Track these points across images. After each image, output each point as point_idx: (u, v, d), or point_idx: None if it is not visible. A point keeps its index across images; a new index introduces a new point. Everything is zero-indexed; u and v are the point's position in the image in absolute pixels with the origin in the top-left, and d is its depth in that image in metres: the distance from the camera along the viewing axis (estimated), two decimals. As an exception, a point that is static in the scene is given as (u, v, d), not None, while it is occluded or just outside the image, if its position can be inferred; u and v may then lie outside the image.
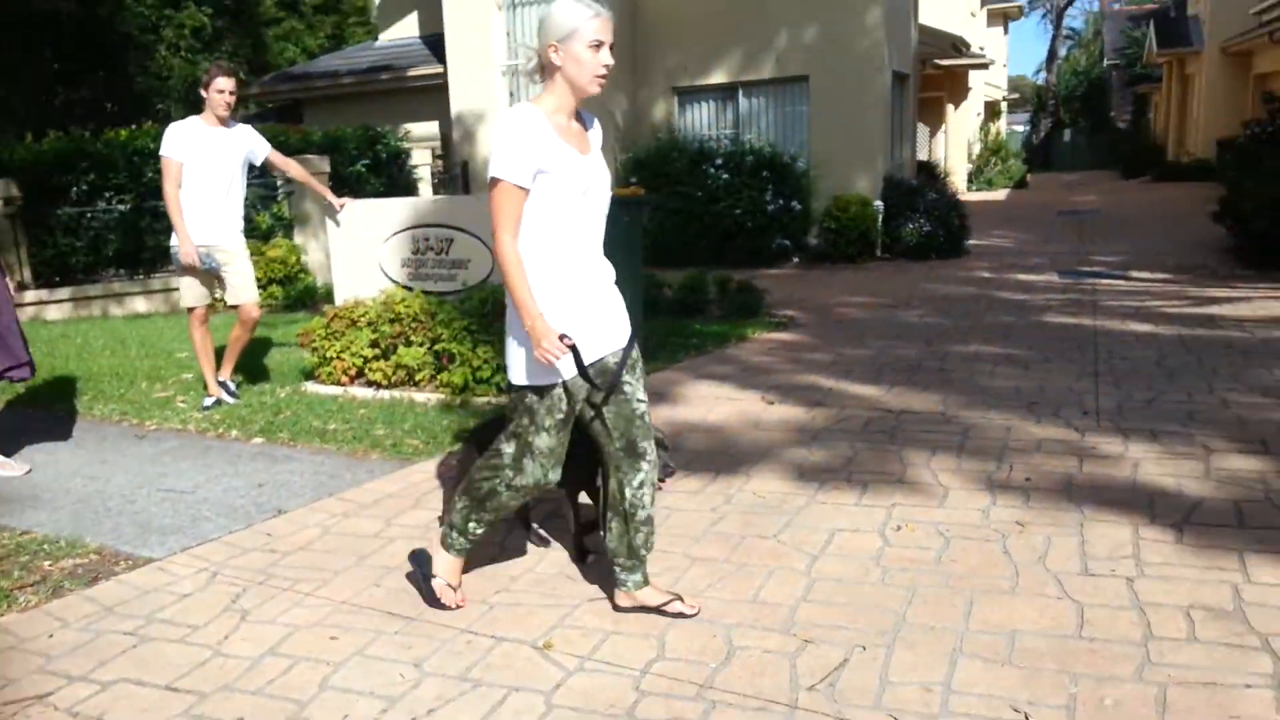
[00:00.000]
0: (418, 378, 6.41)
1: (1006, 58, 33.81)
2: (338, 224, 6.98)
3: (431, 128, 16.20)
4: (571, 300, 2.96)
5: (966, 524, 3.81)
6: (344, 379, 6.65)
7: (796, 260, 13.39)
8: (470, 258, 6.45)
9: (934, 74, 21.52)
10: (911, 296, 9.80)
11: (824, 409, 5.55)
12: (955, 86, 23.26)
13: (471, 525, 3.28)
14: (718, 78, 14.29)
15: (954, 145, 23.82)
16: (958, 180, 23.90)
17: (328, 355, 6.69)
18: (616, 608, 3.30)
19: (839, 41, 13.42)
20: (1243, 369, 6.02)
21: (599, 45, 2.87)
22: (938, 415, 5.31)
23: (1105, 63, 34.35)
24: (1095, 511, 3.85)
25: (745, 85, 14.24)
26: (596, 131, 3.11)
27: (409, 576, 3.55)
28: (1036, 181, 28.95)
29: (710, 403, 5.85)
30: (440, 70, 15.65)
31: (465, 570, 3.47)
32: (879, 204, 13.29)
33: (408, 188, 14.09)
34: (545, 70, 2.95)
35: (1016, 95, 38.87)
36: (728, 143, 13.91)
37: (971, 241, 14.00)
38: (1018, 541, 3.62)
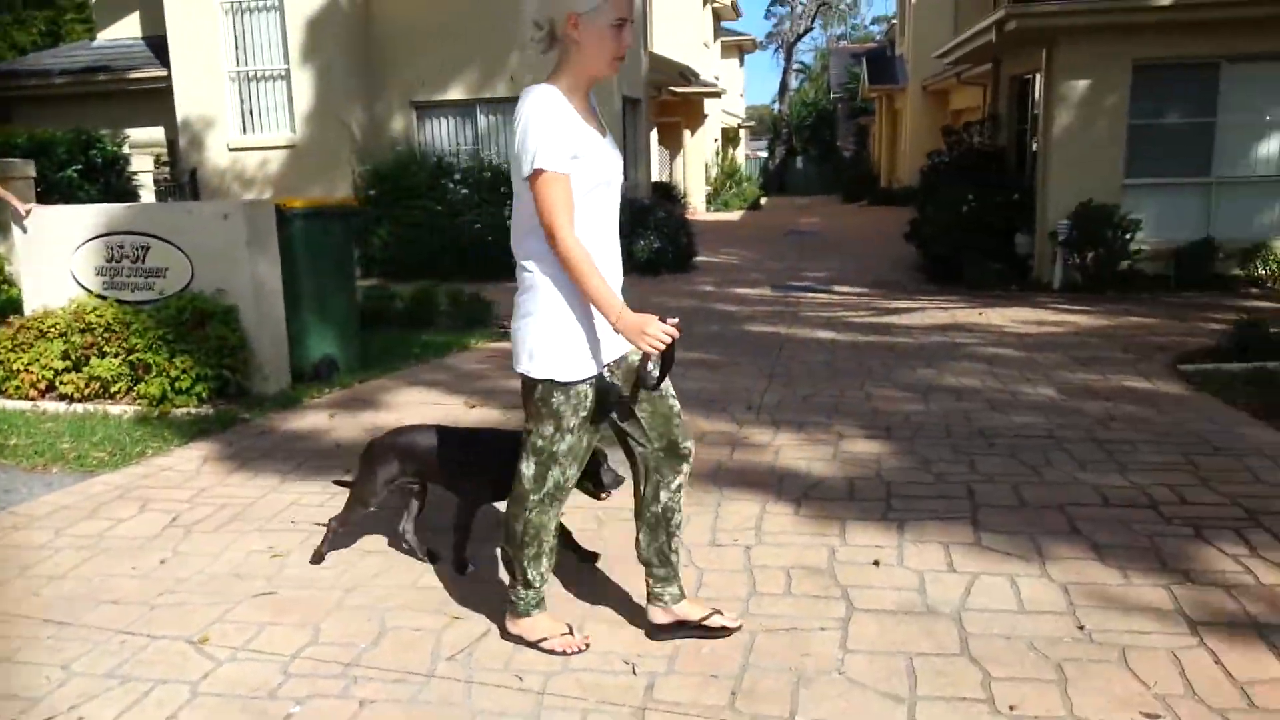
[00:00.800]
0: (113, 390, 6.17)
1: (743, 87, 36.01)
2: (24, 230, 6.62)
3: (156, 133, 15.36)
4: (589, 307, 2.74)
5: (618, 508, 4.17)
6: (33, 393, 6.31)
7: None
8: (168, 266, 6.29)
9: (672, 100, 22.62)
10: (636, 308, 10.31)
11: (519, 411, 5.82)
12: (692, 113, 24.54)
13: (531, 574, 2.97)
14: (456, 94, 14.44)
15: (692, 168, 25.10)
16: (696, 201, 25.18)
17: (14, 368, 6.32)
18: (654, 626, 3.07)
19: (571, 64, 13.90)
20: (894, 369, 6.85)
21: (623, 24, 2.64)
22: (622, 414, 5.72)
23: (832, 95, 37.28)
24: (733, 492, 4.34)
25: (483, 102, 14.47)
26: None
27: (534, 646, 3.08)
28: (771, 204, 30.96)
29: (415, 407, 6.01)
30: (164, 73, 14.88)
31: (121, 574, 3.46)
32: (614, 221, 13.86)
33: (125, 195, 13.30)
34: (559, 45, 2.68)
35: (754, 123, 41.40)
36: (468, 158, 14.08)
37: (702, 258, 14.87)
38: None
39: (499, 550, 3.15)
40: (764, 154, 43.89)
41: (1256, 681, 2.76)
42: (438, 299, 9.42)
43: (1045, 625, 3.10)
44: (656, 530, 3.00)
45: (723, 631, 3.05)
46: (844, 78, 35.79)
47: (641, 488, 2.99)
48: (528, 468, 2.86)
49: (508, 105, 14.35)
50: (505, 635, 3.09)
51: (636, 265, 13.73)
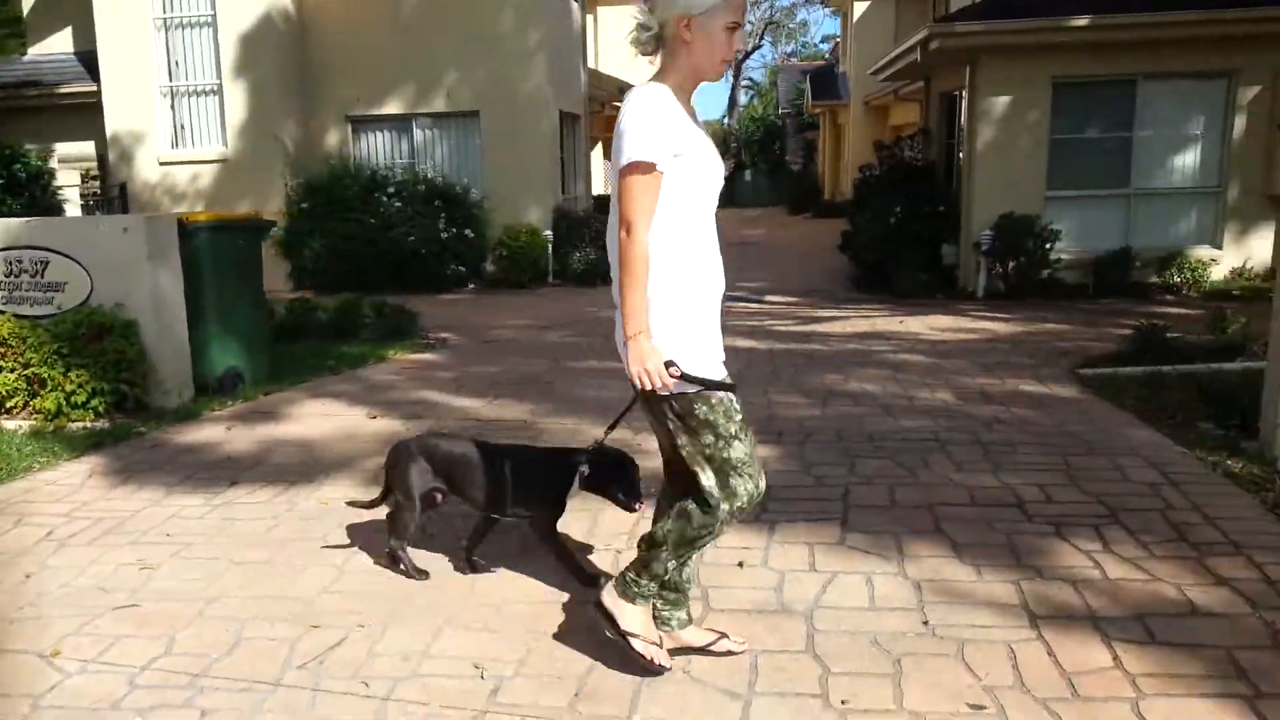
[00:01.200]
0: (9, 405, 6.08)
1: (694, 102, 36.24)
2: (-80, 244, 6.51)
3: (86, 147, 15.18)
4: (700, 309, 2.65)
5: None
6: (-74, 409, 6.19)
7: (473, 286, 13.73)
8: (67, 280, 6.21)
9: (616, 116, 22.69)
10: (566, 319, 10.36)
11: (421, 421, 5.83)
12: (638, 126, 24.62)
13: (672, 574, 2.86)
14: (392, 108, 14.42)
15: (639, 181, 25.17)
16: (643, 214, 25.23)
17: (-94, 385, 6.20)
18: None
19: (505, 82, 13.97)
20: (803, 375, 6.93)
21: (735, 28, 2.59)
22: (520, 423, 5.75)
23: (780, 111, 37.70)
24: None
25: (419, 117, 14.46)
26: None
27: (609, 633, 2.90)
28: (719, 216, 31.05)
29: (316, 419, 5.98)
30: (95, 88, 14.71)
31: (-20, 587, 3.41)
32: (549, 233, 13.90)
33: (50, 209, 13.12)
34: (666, 46, 2.61)
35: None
36: (402, 172, 14.05)
37: (640, 271, 14.92)
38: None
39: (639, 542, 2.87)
40: (717, 168, 44.12)
41: (1084, 672, 2.83)
42: (362, 311, 9.39)
43: (892, 621, 3.16)
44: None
45: (728, 655, 2.94)
46: (792, 94, 36.19)
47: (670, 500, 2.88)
48: (707, 479, 2.66)
49: (446, 120, 14.41)
50: (598, 605, 2.88)
51: (574, 276, 13.79)
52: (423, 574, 3.61)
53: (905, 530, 3.87)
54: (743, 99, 47.50)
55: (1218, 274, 10.90)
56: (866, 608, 3.26)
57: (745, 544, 3.79)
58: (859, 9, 24.54)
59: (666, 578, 2.84)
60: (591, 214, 15.29)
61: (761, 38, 49.89)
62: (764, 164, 38.08)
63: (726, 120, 45.20)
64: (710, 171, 2.65)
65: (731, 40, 2.60)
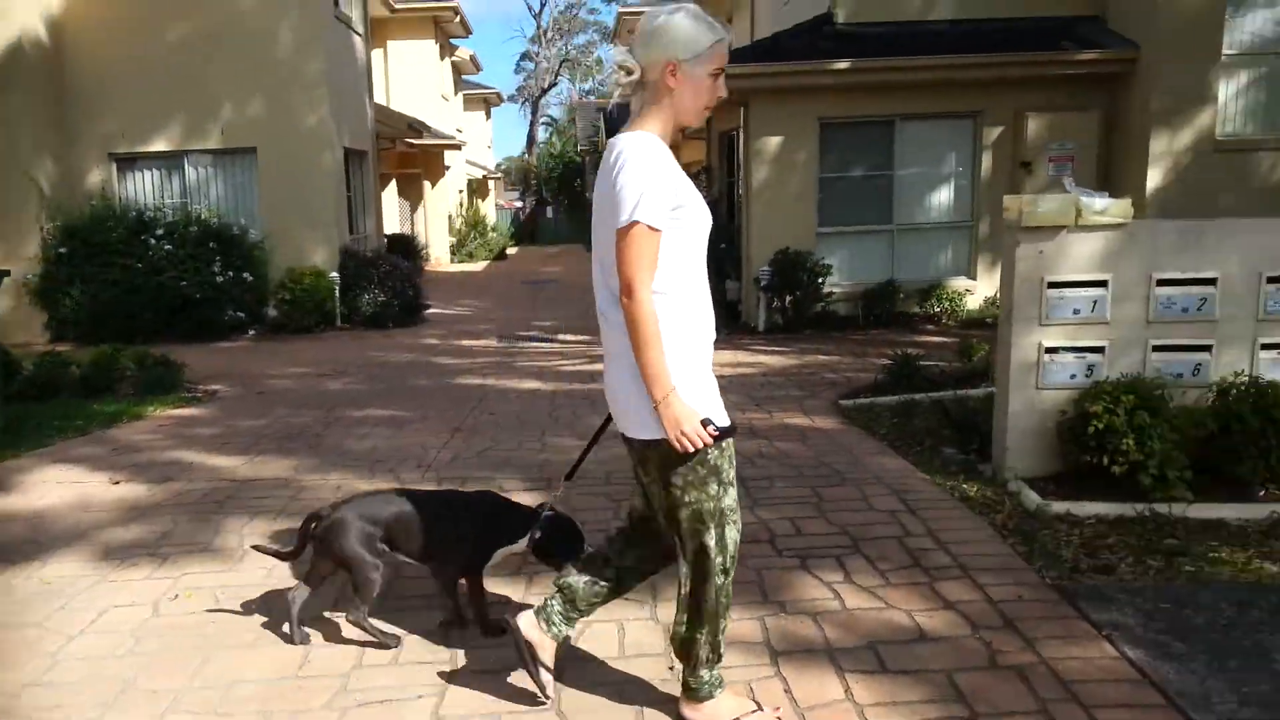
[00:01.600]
0: None
1: (491, 139, 36.27)
2: None
3: None
4: (702, 358, 2.61)
5: (248, 585, 3.96)
6: None
7: (253, 332, 13.09)
8: None
9: (410, 152, 22.36)
10: (350, 365, 10.01)
11: (170, 484, 5.46)
12: (432, 164, 24.37)
13: (722, 648, 2.77)
14: (161, 145, 13.63)
15: (434, 219, 24.89)
16: (439, 253, 24.94)
17: None
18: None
19: (285, 117, 13.48)
20: (582, 418, 6.95)
21: (719, 73, 2.56)
22: (282, 481, 5.48)
23: (579, 148, 38.15)
24: (370, 557, 4.20)
25: (192, 154, 13.74)
26: None
27: None
28: (520, 254, 31.16)
29: (50, 487, 5.49)
30: None
31: None
32: (335, 275, 13.45)
33: None
34: (649, 90, 2.55)
35: (500, 175, 41.73)
36: (174, 213, 13.26)
37: (435, 310, 14.69)
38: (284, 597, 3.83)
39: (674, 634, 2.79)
40: (519, 203, 44.29)
41: (817, 706, 2.92)
42: (120, 363, 8.75)
43: (640, 669, 3.16)
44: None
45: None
46: (590, 131, 36.67)
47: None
48: (710, 538, 2.63)
49: (221, 156, 13.74)
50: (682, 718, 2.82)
51: (363, 320, 13.39)
52: (395, 640, 3.39)
53: (660, 574, 3.89)
54: (541, 135, 47.94)
55: (973, 303, 11.76)
56: (616, 656, 3.26)
57: (502, 595, 3.72)
58: (648, 50, 25.21)
59: (722, 652, 2.78)
60: (381, 254, 14.93)
61: (558, 75, 50.62)
62: (565, 201, 38.42)
63: (526, 156, 45.43)
64: (703, 219, 2.62)
65: (715, 87, 2.58)
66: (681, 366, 2.53)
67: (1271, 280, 4.85)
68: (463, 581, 3.45)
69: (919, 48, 11.30)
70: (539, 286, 19.48)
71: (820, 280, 11.31)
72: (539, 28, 50.21)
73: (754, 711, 2.80)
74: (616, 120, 29.64)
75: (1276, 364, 4.92)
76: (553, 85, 51.28)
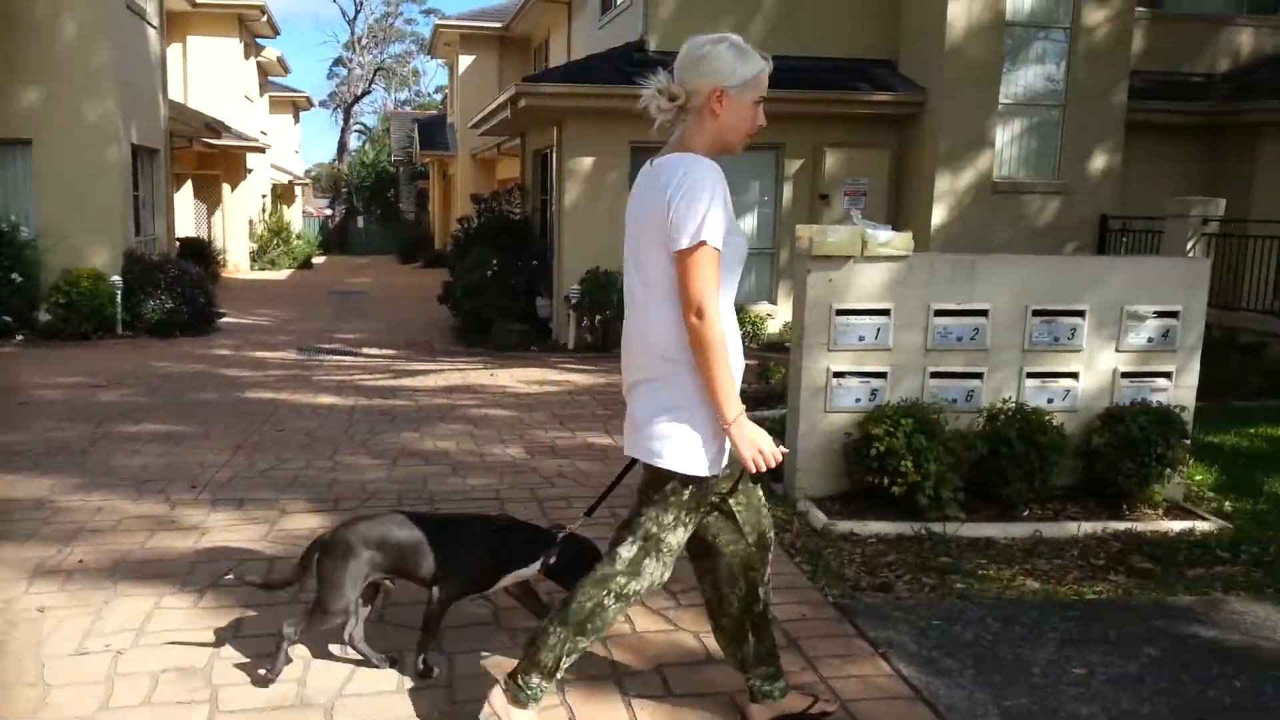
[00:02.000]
0: None
1: (299, 144, 34.86)
2: None
3: None
4: (738, 380, 2.58)
5: (-21, 619, 3.56)
6: None
7: (21, 338, 11.98)
8: None
9: (208, 153, 21.17)
10: (129, 375, 9.29)
11: (-103, 509, 4.88)
12: (232, 166, 23.16)
13: (565, 661, 2.71)
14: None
15: (233, 224, 23.63)
16: (237, 259, 23.72)
17: None
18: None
19: (66, 108, 12.46)
20: (379, 434, 6.70)
21: (760, 101, 2.60)
22: (36, 502, 4.99)
23: (393, 158, 37.31)
24: (130, 586, 3.88)
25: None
26: None
27: None
28: (327, 263, 30.05)
29: None
30: None
31: None
32: (117, 279, 12.50)
33: None
34: (692, 115, 2.58)
35: (309, 181, 40.25)
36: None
37: (230, 320, 13.90)
38: (25, 630, 3.47)
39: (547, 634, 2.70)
40: (329, 211, 42.80)
41: (599, 733, 2.87)
42: None
43: (421, 704, 3.03)
44: (764, 629, 2.88)
45: (822, 717, 2.95)
46: (405, 141, 35.91)
47: (739, 588, 2.81)
48: (628, 550, 2.69)
49: (9, 148, 12.52)
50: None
51: (148, 327, 12.50)
52: (273, 678, 3.10)
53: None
54: (354, 143, 46.54)
55: (774, 327, 12.17)
56: (393, 691, 3.11)
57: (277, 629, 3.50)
58: (464, 61, 24.90)
59: (562, 667, 2.73)
60: (171, 258, 14.02)
61: (372, 82, 49.33)
62: (377, 210, 37.40)
63: (337, 164, 43.97)
64: (743, 244, 2.69)
65: (757, 114, 2.63)
66: (709, 405, 2.58)
67: (1036, 313, 5.22)
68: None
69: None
70: (346, 297, 18.81)
71: (629, 300, 11.40)
72: (353, 34, 48.89)
73: None
74: (431, 133, 29.04)
75: (1040, 391, 5.29)
76: (366, 93, 49.97)
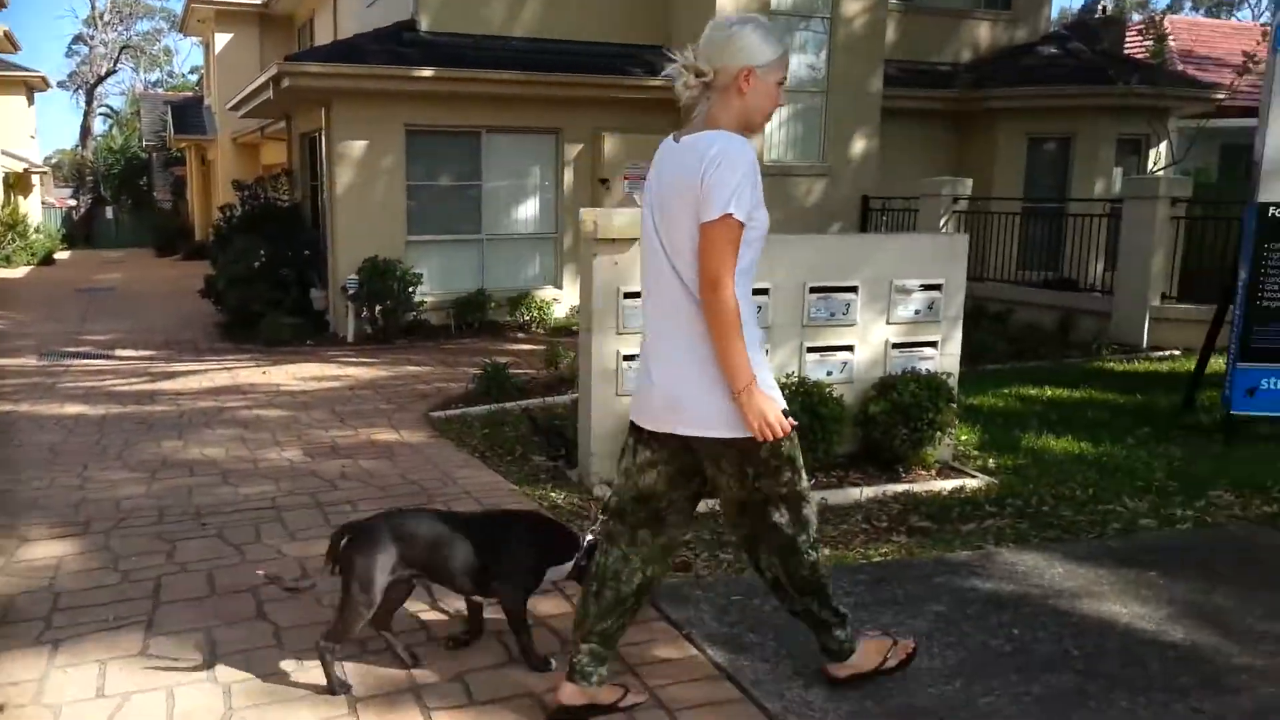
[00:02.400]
0: None
1: (34, 129, 31.59)
2: None
3: None
4: (761, 356, 2.67)
5: None
6: None
7: None
8: None
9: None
10: None
11: None
12: (-48, 152, 20.71)
13: (841, 605, 2.98)
14: None
15: (-44, 217, 21.17)
16: (-36, 256, 21.26)
17: None
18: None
19: None
20: (135, 445, 6.13)
21: (783, 81, 2.70)
22: None
23: (144, 143, 34.46)
24: None
25: None
26: None
27: None
28: (72, 258, 27.41)
29: None
30: None
31: None
32: None
33: None
34: (717, 94, 2.64)
35: (47, 169, 36.56)
36: None
37: (-52, 324, 12.40)
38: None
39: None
40: (73, 202, 39.06)
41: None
42: None
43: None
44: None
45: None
46: (158, 125, 33.23)
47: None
48: (798, 513, 2.80)
49: None
50: (837, 683, 3.00)
51: None
52: (345, 687, 2.98)
53: (222, 623, 3.45)
54: (100, 127, 42.73)
55: (560, 312, 12.10)
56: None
57: (14, 678, 3.08)
58: (221, 40, 23.30)
59: (841, 610, 2.96)
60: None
61: (116, 63, 45.43)
62: (128, 201, 34.48)
63: (81, 150, 40.14)
64: (766, 222, 2.70)
65: (778, 94, 2.70)
66: (755, 359, 2.61)
67: (813, 290, 5.39)
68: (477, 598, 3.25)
69: (501, 62, 11.38)
70: (94, 295, 17.20)
71: (411, 289, 11.03)
72: (94, 9, 44.77)
73: (894, 644, 3.05)
74: (187, 115, 27.09)
75: (820, 365, 5.47)
76: (111, 73, 45.93)
